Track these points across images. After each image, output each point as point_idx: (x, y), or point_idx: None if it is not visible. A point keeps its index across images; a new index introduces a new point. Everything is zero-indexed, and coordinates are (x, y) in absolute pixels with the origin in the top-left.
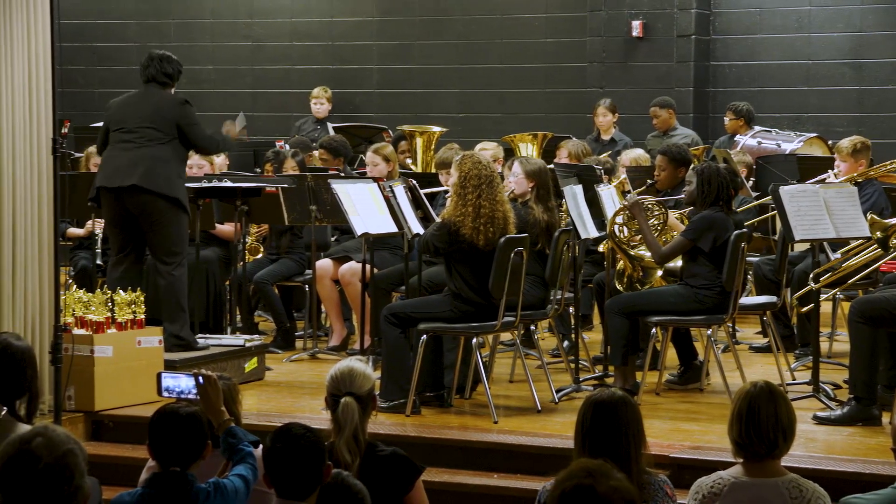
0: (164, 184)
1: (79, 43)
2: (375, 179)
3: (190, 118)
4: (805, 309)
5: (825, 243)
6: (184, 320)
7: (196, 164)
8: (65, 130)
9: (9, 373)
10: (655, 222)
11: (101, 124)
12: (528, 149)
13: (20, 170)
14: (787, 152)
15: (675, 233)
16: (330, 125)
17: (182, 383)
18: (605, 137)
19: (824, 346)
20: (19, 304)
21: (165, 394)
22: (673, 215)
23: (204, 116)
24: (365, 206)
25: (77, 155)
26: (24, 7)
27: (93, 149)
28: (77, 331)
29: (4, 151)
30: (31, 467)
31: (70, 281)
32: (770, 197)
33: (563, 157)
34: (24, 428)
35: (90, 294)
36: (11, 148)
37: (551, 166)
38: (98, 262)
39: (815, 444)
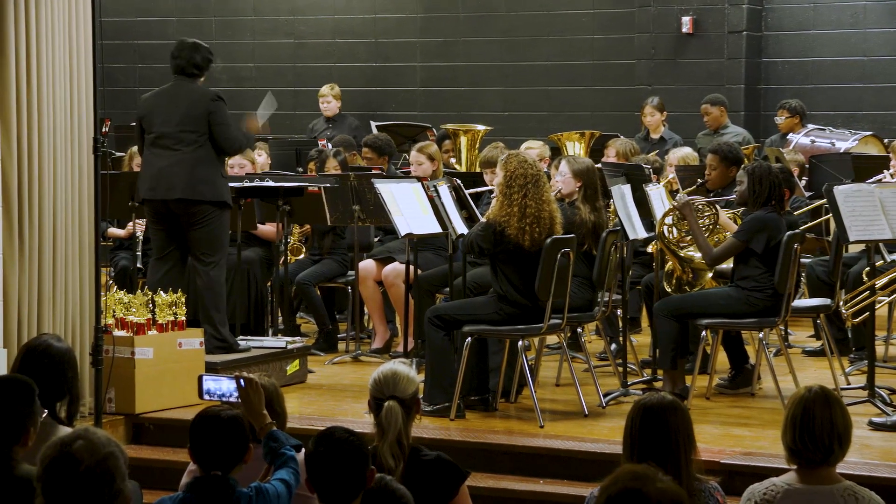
0: (209, 190)
1: (120, 41)
2: (419, 179)
3: (220, 116)
4: (858, 319)
5: (881, 244)
6: (221, 322)
7: (238, 163)
8: (105, 129)
9: (49, 375)
10: (707, 223)
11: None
12: (576, 147)
13: (61, 169)
14: (841, 151)
15: (727, 233)
16: (373, 123)
17: (223, 386)
18: (654, 136)
19: (880, 349)
20: (60, 305)
21: (207, 397)
22: (726, 214)
23: (244, 115)
24: (409, 206)
25: (118, 154)
26: (65, 5)
27: (135, 148)
28: (117, 332)
29: (46, 150)
30: (73, 470)
31: (110, 282)
32: (824, 197)
33: (610, 155)
34: (65, 431)
35: (131, 295)
36: (52, 147)
37: (599, 165)
38: (139, 265)
39: (870, 450)
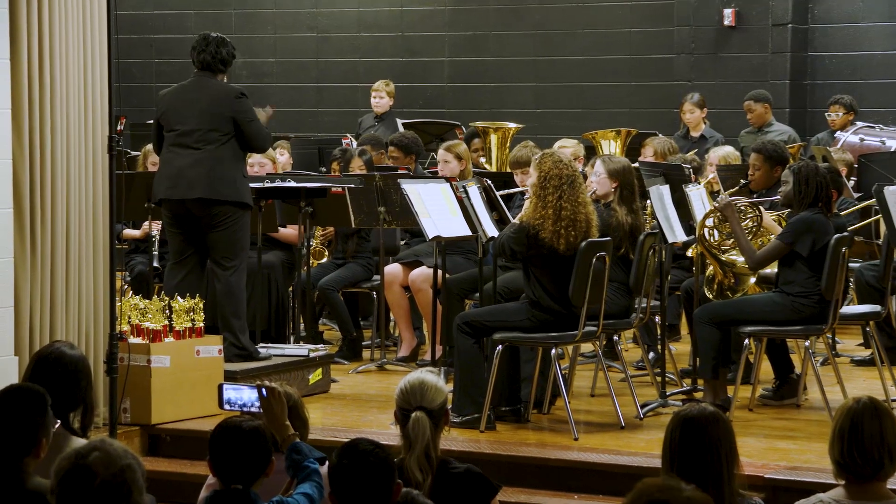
0: (230, 190)
1: (135, 35)
2: (448, 179)
3: (247, 113)
4: None
5: None
6: (240, 328)
7: (258, 162)
8: (120, 127)
9: (62, 384)
10: (750, 225)
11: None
12: (611, 146)
13: (75, 169)
14: (892, 150)
15: (770, 236)
16: (399, 121)
17: (245, 395)
18: (694, 134)
19: None
20: (73, 310)
21: (227, 406)
22: (769, 216)
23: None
24: (437, 208)
25: (134, 153)
26: None
27: (150, 146)
28: (133, 339)
29: (59, 150)
30: (88, 483)
31: (126, 287)
32: (873, 198)
33: (648, 155)
34: (80, 442)
35: (147, 301)
36: (66, 146)
37: (636, 165)
38: (155, 264)
39: None
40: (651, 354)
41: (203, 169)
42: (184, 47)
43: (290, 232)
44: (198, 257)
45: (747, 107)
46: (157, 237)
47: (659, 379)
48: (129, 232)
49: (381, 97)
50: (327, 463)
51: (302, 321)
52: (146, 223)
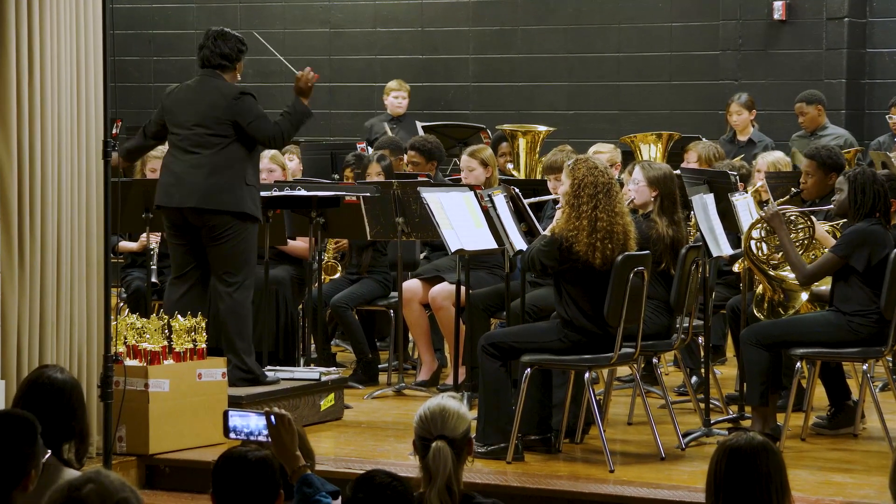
0: (228, 199)
1: (132, 31)
2: (472, 187)
3: (248, 113)
4: None
5: None
6: (246, 350)
7: (266, 168)
8: (116, 130)
9: (53, 411)
10: (801, 237)
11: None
12: (651, 151)
13: (66, 176)
14: None
15: (824, 249)
16: (419, 124)
17: (251, 423)
18: (742, 138)
19: None
20: (64, 330)
21: (232, 435)
22: (823, 227)
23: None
24: (460, 218)
25: None
26: None
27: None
28: (129, 362)
29: (50, 155)
30: None
31: (122, 304)
32: None
33: (691, 160)
34: (72, 473)
35: (144, 319)
36: (57, 151)
37: (677, 172)
38: (153, 279)
39: None
40: (694, 379)
41: (199, 175)
42: (185, 44)
43: (300, 245)
44: (200, 272)
45: (799, 109)
46: (156, 250)
47: (702, 406)
48: (126, 244)
49: (402, 97)
50: (340, 497)
51: (313, 342)
52: (144, 235)
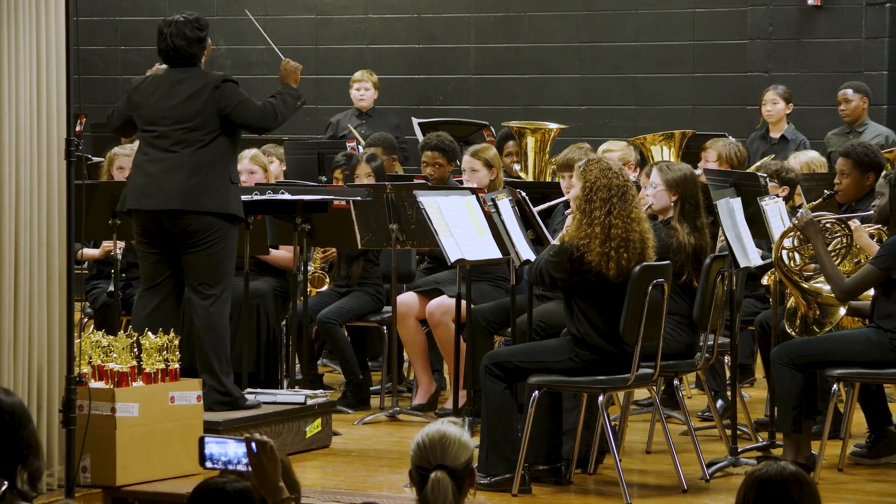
0: (214, 200)
1: (98, 17)
2: (474, 190)
3: (230, 99)
4: None
5: None
6: (224, 371)
7: (246, 169)
8: (80, 128)
9: (4, 438)
10: (838, 245)
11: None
12: (663, 153)
13: (25, 178)
14: None
15: (867, 256)
16: (415, 121)
17: (230, 451)
18: (775, 135)
19: None
20: (22, 349)
21: (209, 464)
22: (865, 231)
23: None
24: (460, 225)
25: (96, 159)
26: None
27: (117, 149)
28: (95, 384)
29: (6, 155)
30: None
31: (87, 320)
32: None
33: (710, 160)
34: None
35: (111, 337)
36: (15, 150)
37: (700, 173)
38: (112, 288)
39: None
40: (719, 402)
41: (181, 175)
42: (154, 32)
43: (283, 254)
44: (173, 282)
45: (842, 97)
46: (121, 254)
47: (728, 432)
48: (87, 252)
49: (366, 89)
50: None
51: (297, 362)
52: (107, 242)
